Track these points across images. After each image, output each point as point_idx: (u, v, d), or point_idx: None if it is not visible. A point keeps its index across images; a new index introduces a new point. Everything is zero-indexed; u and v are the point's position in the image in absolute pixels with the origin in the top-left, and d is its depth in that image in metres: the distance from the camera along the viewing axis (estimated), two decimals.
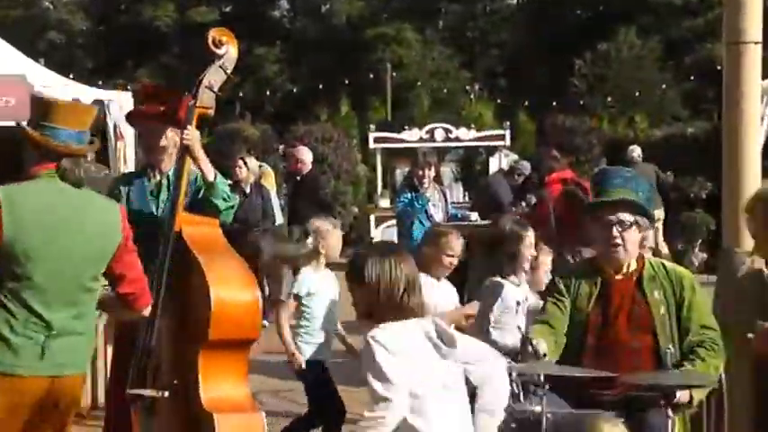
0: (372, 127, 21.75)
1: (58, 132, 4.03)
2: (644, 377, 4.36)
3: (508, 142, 20.69)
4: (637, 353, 4.54)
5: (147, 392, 4.72)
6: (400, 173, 19.66)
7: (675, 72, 32.53)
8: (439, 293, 5.99)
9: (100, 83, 19.01)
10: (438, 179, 12.15)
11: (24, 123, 4.13)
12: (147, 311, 4.35)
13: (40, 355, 3.93)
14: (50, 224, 3.96)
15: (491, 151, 20.90)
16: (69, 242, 3.99)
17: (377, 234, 18.41)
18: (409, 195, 9.78)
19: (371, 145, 21.11)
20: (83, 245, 4.03)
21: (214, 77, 4.91)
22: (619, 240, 4.60)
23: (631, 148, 15.12)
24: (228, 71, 4.91)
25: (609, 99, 28.60)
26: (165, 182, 5.30)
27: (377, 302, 3.80)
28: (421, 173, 9.84)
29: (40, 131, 4.03)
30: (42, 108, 4.10)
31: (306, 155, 11.46)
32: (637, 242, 4.67)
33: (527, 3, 42.28)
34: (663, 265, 4.75)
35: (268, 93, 33.70)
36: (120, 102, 12.61)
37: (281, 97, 36.08)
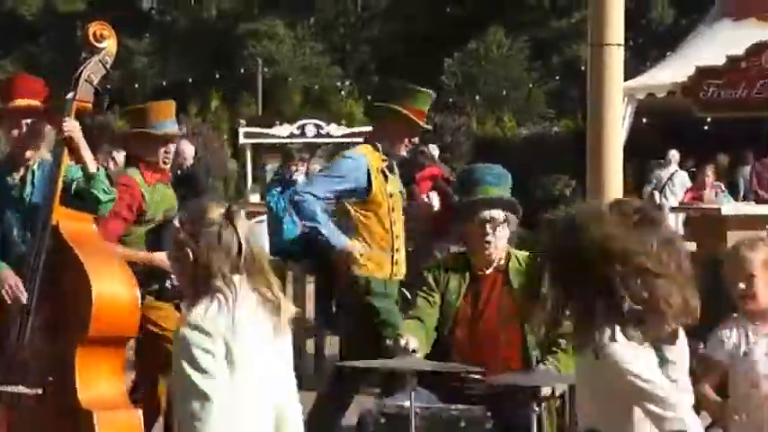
0: (243, 122, 21.65)
1: None
2: (510, 378, 4.43)
3: None
4: (506, 345, 4.62)
5: (19, 389, 4.64)
6: (270, 168, 19.62)
7: (542, 72, 33.20)
8: None
9: None
10: (309, 175, 12.19)
11: None
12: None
13: None
14: None
15: None
16: None
17: None
18: (279, 190, 9.79)
19: (241, 140, 21.02)
20: None
21: (93, 71, 4.87)
22: (490, 237, 4.68)
23: (431, 146, 14.84)
24: (108, 66, 4.87)
25: (477, 97, 29.02)
26: (29, 176, 5.20)
27: None
28: (293, 168, 9.87)
29: None
30: None
31: (188, 149, 11.33)
32: (506, 238, 4.76)
33: (398, 1, 42.59)
34: (529, 257, 4.83)
35: (137, 86, 33.20)
36: None
37: (151, 90, 35.56)
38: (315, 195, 5.83)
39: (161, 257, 5.27)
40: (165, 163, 5.95)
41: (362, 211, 5.86)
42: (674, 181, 15.76)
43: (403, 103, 5.94)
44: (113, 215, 5.35)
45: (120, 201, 5.34)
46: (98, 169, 5.01)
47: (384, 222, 5.87)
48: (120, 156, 11.06)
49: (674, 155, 15.84)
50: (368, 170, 5.83)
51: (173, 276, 4.90)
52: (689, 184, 16.24)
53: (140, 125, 5.85)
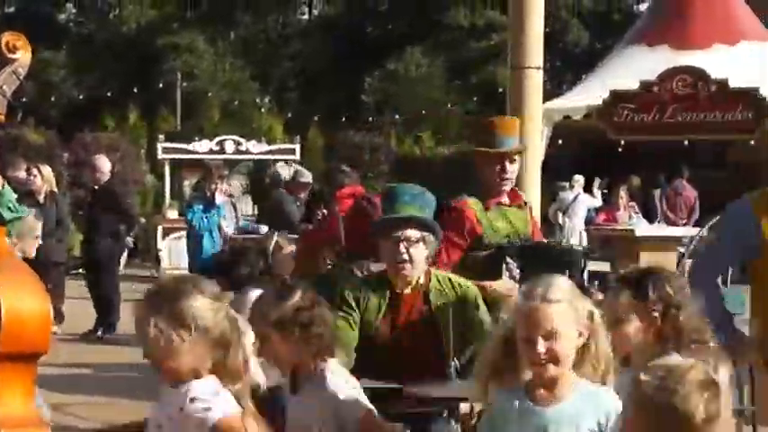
0: (161, 137, 21.46)
1: None
2: (428, 390, 4.48)
3: (298, 156, 20.83)
4: (425, 365, 4.62)
5: None
6: (189, 184, 19.49)
7: (460, 92, 33.50)
8: None
9: None
10: (228, 191, 12.17)
11: None
12: None
13: None
14: None
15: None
16: None
17: (164, 245, 18.18)
18: (201, 207, 9.76)
19: (160, 155, 20.83)
20: None
21: (6, 82, 4.80)
22: (405, 257, 4.70)
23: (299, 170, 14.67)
24: (21, 77, 4.81)
25: (397, 117, 29.19)
26: None
27: None
28: (213, 185, 9.85)
29: None
30: None
31: (104, 164, 11.24)
32: (423, 258, 4.76)
33: (318, 18, 42.66)
34: (449, 278, 4.87)
35: (53, 98, 32.75)
36: None
37: (67, 104, 35.11)
38: None
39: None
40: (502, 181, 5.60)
41: None
42: (577, 203, 16.07)
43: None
44: (446, 241, 5.26)
45: (450, 227, 5.31)
46: (3, 186, 4.95)
47: None
48: (46, 169, 10.91)
49: (578, 179, 16.17)
50: None
51: None
52: (593, 206, 16.60)
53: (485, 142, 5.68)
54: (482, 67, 34.17)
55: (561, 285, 3.34)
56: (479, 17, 35.76)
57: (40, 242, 7.21)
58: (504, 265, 5.32)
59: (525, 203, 5.79)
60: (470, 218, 5.43)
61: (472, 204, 5.50)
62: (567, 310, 3.27)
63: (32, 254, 6.57)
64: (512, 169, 5.59)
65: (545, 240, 5.61)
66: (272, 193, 13.67)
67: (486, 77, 33.09)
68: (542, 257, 5.34)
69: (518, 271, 5.29)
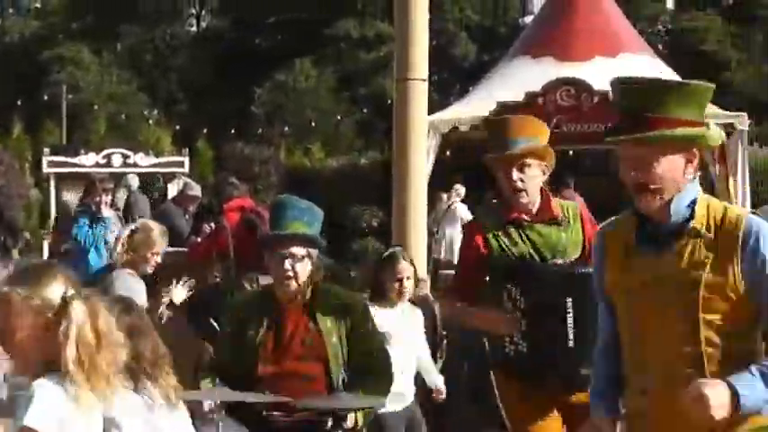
0: (47, 150, 21.08)
1: None
2: (315, 402, 4.50)
3: (187, 169, 20.66)
4: (310, 381, 4.64)
5: None
6: (75, 198, 19.18)
7: (350, 104, 33.61)
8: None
9: None
10: (114, 205, 12.00)
11: None
12: None
13: None
14: None
15: (169, 177, 20.79)
16: None
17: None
18: (87, 221, 9.62)
19: (45, 169, 20.46)
20: None
21: None
22: (290, 273, 4.69)
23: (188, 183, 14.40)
24: None
25: (286, 128, 29.14)
26: None
27: None
28: (98, 199, 9.71)
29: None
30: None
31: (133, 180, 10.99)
32: (308, 273, 4.76)
33: (206, 30, 42.36)
34: (334, 292, 4.88)
35: None
36: None
37: None
38: None
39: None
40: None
41: None
42: (451, 212, 16.18)
43: None
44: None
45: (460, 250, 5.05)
46: None
47: None
48: None
49: (457, 188, 16.28)
50: None
51: None
52: (466, 216, 16.78)
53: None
54: (371, 79, 34.35)
55: None
56: (369, 28, 35.94)
57: None
58: (504, 293, 4.77)
59: (566, 218, 4.94)
60: (476, 240, 4.91)
61: (484, 225, 4.95)
62: None
63: None
64: (521, 177, 4.87)
65: (546, 261, 4.77)
66: (159, 206, 13.55)
67: (375, 89, 33.26)
68: (539, 281, 4.69)
69: (521, 298, 4.73)
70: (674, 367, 3.29)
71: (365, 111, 31.74)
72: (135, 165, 20.54)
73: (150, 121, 32.25)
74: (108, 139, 27.66)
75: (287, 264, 4.69)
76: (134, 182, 15.75)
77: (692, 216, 3.36)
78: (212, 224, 9.86)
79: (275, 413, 4.57)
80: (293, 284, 4.71)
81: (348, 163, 21.46)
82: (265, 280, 6.57)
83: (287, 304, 4.77)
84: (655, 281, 3.36)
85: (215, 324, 6.94)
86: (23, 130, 28.05)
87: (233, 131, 26.09)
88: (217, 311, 6.96)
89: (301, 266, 4.71)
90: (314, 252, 4.78)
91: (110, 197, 10.38)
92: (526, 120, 5.18)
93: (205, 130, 28.17)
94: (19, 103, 28.92)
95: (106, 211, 9.92)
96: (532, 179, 4.88)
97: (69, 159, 20.38)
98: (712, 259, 3.29)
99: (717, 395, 3.11)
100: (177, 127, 30.17)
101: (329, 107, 32.21)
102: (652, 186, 3.32)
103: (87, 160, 20.13)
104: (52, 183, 20.48)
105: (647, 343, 3.37)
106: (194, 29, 44.00)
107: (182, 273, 7.96)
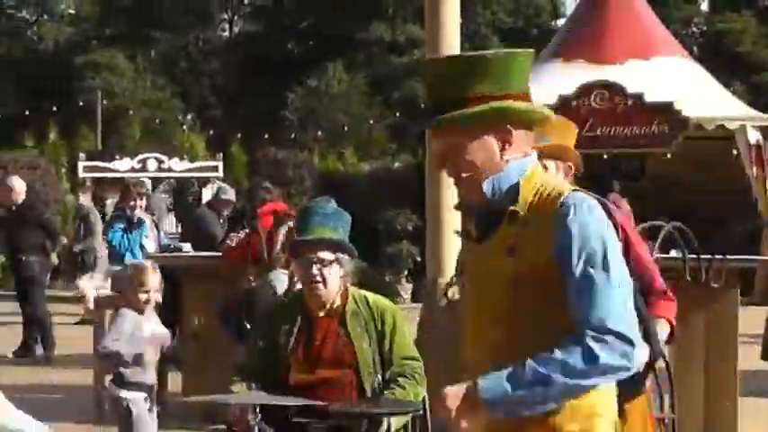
0: (82, 156, 21.23)
1: None
2: (352, 407, 4.50)
3: (221, 173, 20.74)
4: (341, 389, 4.62)
5: None
6: (111, 203, 19.31)
7: (382, 107, 33.65)
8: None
9: None
10: (150, 209, 12.10)
11: None
12: None
13: None
14: None
15: (203, 182, 20.89)
16: None
17: None
18: (122, 226, 9.71)
19: (81, 174, 20.61)
20: None
21: None
22: (318, 278, 4.65)
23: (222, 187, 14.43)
24: None
25: (319, 133, 29.21)
26: None
27: None
28: (133, 203, 9.80)
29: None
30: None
31: (19, 184, 11.11)
32: (338, 279, 4.72)
33: (239, 35, 42.55)
34: (366, 298, 4.83)
35: None
36: None
37: None
38: None
39: None
40: None
41: None
42: None
43: None
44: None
45: None
46: None
47: None
48: None
49: None
50: None
51: None
52: None
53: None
54: (403, 82, 34.38)
55: None
56: (400, 32, 35.99)
57: None
58: None
59: None
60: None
61: None
62: None
63: None
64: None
65: None
66: (194, 211, 13.63)
67: (407, 92, 33.30)
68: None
69: None
70: (482, 359, 2.95)
71: (398, 114, 31.75)
72: (170, 170, 20.65)
73: (184, 126, 32.46)
74: (143, 144, 27.83)
75: (314, 269, 4.66)
76: (146, 182, 15.87)
77: (515, 199, 2.93)
78: (246, 229, 9.90)
79: (307, 419, 4.57)
80: (321, 289, 4.68)
81: (381, 167, 21.47)
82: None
83: (317, 311, 4.75)
84: (474, 268, 3.08)
85: (248, 328, 6.98)
86: (59, 136, 28.26)
87: (266, 136, 26.19)
88: (250, 316, 7.01)
89: (329, 271, 4.68)
90: (343, 257, 4.74)
91: (144, 201, 10.47)
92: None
93: (239, 135, 28.29)
94: (54, 108, 29.15)
95: (141, 216, 10.01)
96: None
97: (105, 164, 20.51)
98: (529, 244, 2.88)
99: (454, 388, 2.83)
100: (211, 132, 30.30)
101: (361, 111, 32.28)
102: (464, 175, 2.95)
103: (122, 165, 20.25)
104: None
105: (466, 333, 3.09)
106: (227, 34, 44.22)
107: (215, 277, 8.03)
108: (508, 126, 2.92)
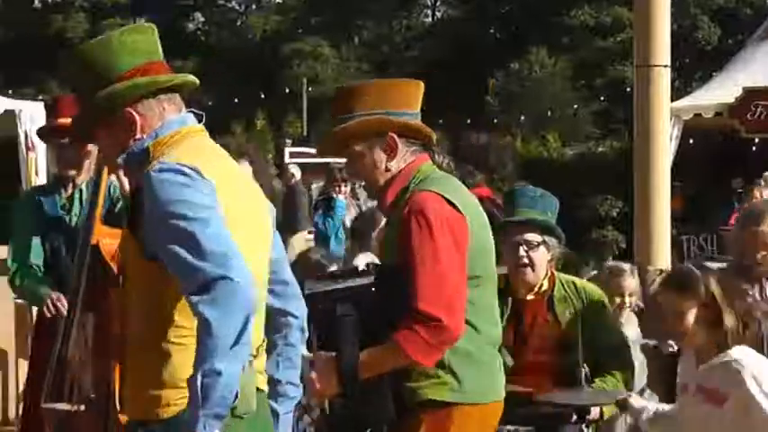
0: (289, 142, 21.73)
1: (418, 117, 3.63)
2: (559, 396, 4.40)
3: None
4: (549, 373, 4.52)
5: (62, 407, 4.66)
6: (316, 188, 19.67)
7: (587, 92, 33.10)
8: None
9: (10, 92, 18.72)
10: (354, 194, 12.22)
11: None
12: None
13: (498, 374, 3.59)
14: (484, 220, 3.57)
15: None
16: (490, 239, 3.63)
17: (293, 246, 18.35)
18: (323, 210, 9.85)
19: (287, 159, 21.08)
20: (491, 238, 3.68)
21: None
22: (526, 260, 4.57)
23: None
24: None
25: (522, 117, 28.97)
26: (77, 195, 5.25)
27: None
28: (337, 188, 9.91)
29: (406, 120, 3.52)
30: (391, 93, 3.60)
31: (245, 169, 11.41)
32: (545, 262, 4.63)
33: (441, 21, 42.68)
34: (573, 283, 4.74)
35: None
36: (32, 112, 12.43)
37: (196, 110, 35.88)
38: None
39: None
40: None
41: None
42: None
43: None
44: None
45: None
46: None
47: None
48: None
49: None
50: None
51: None
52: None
53: None
54: (609, 66, 33.72)
55: None
56: (606, 15, 35.30)
57: None
58: None
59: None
60: None
61: None
62: None
63: None
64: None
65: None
66: None
67: (613, 76, 32.64)
68: None
69: None
70: None
71: (602, 99, 31.17)
72: None
73: None
74: None
75: (521, 250, 4.58)
76: (296, 171, 16.00)
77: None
78: None
79: (517, 404, 4.49)
80: (528, 272, 4.59)
81: (585, 151, 21.15)
82: (501, 270, 6.48)
83: (524, 296, 4.65)
84: None
85: None
86: (266, 123, 29.04)
87: (468, 121, 26.13)
88: None
89: (536, 254, 4.59)
90: (550, 240, 4.64)
91: (348, 186, 10.57)
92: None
93: (441, 120, 28.34)
94: (262, 96, 29.94)
95: (343, 200, 10.13)
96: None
97: (310, 150, 20.92)
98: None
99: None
100: None
101: (565, 96, 31.82)
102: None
103: None
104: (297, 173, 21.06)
105: None
106: (429, 20, 44.42)
107: None
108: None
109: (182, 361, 2.67)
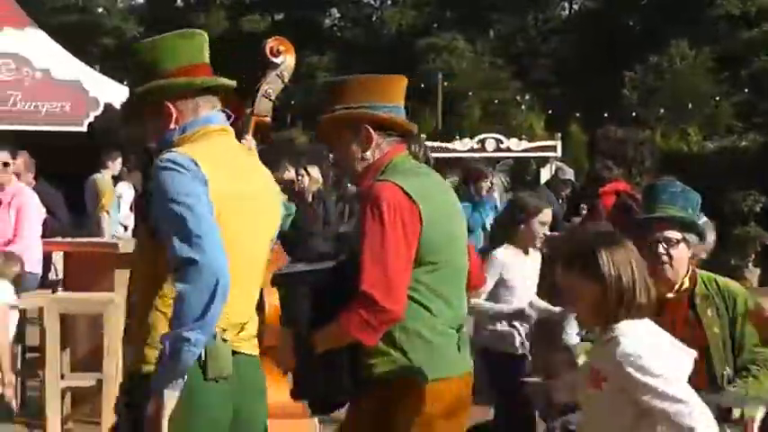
0: (423, 136, 21.75)
1: (399, 110, 3.92)
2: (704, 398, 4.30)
3: (559, 153, 20.60)
4: (693, 373, 4.46)
5: None
6: (450, 182, 19.64)
7: (729, 84, 32.23)
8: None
9: None
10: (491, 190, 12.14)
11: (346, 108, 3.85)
12: None
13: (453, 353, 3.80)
14: (450, 210, 3.86)
15: (542, 162, 20.82)
16: (459, 225, 3.93)
17: None
18: (469, 206, 9.77)
19: None
20: (462, 225, 3.96)
21: (271, 86, 4.91)
22: (665, 258, 4.49)
23: (561, 167, 13.95)
24: (286, 80, 4.92)
25: (662, 111, 28.38)
26: None
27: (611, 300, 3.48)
28: (482, 184, 9.86)
29: (383, 112, 3.84)
30: (371, 87, 3.93)
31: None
32: (685, 259, 4.54)
33: (578, 14, 42.15)
34: (715, 281, 4.62)
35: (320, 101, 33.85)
36: None
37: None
38: None
39: None
40: None
41: None
42: None
43: None
44: None
45: None
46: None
47: None
48: (314, 170, 11.20)
49: None
50: None
51: None
52: None
53: None
54: (753, 58, 32.77)
55: None
56: (751, 4, 34.31)
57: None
58: None
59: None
60: None
61: None
62: None
63: None
64: None
65: None
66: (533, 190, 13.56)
67: (758, 68, 31.73)
68: None
69: None
70: None
71: (746, 91, 30.31)
72: (508, 149, 20.76)
73: (523, 107, 32.51)
74: (481, 124, 28.15)
75: (660, 248, 4.48)
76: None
77: None
78: (586, 207, 9.73)
79: None
80: (668, 270, 4.50)
81: (728, 145, 20.61)
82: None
83: (665, 293, 4.51)
84: None
85: None
86: None
87: (606, 115, 25.73)
88: None
89: (676, 252, 4.49)
90: (691, 237, 4.55)
91: (489, 182, 10.48)
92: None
93: (578, 114, 27.99)
94: None
95: (490, 198, 10.07)
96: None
97: (444, 144, 20.90)
98: None
99: None
100: (550, 111, 30.18)
101: (707, 88, 31.04)
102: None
103: (462, 146, 20.55)
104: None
105: None
106: (566, 12, 43.92)
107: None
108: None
109: (165, 327, 3.10)
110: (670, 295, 4.54)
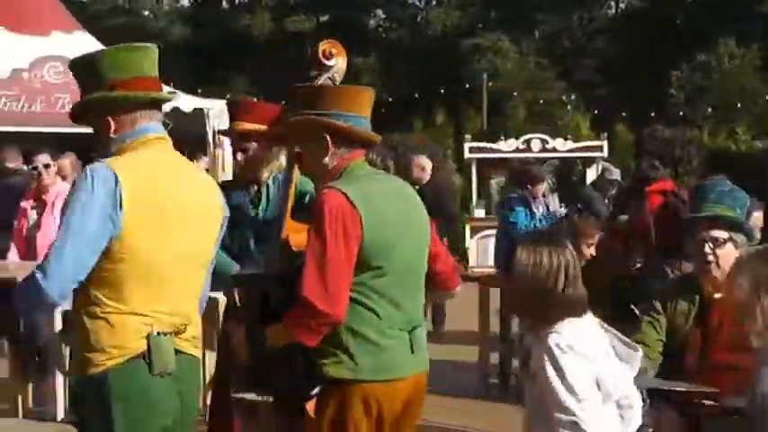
0: (468, 137, 21.70)
1: (359, 120, 4.01)
2: (741, 401, 4.25)
3: (606, 153, 20.47)
4: (738, 373, 4.34)
5: (251, 396, 4.73)
6: (495, 183, 19.57)
7: None
8: None
9: (200, 91, 19.30)
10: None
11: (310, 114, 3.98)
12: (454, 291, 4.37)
13: (404, 354, 3.87)
14: (402, 215, 3.90)
15: (588, 162, 20.70)
16: (414, 230, 3.96)
17: (472, 244, 18.29)
18: (522, 209, 9.71)
19: (466, 155, 21.05)
20: (419, 230, 3.99)
21: None
22: (711, 258, 4.49)
23: (607, 167, 13.88)
24: (337, 83, 4.92)
25: (709, 110, 28.14)
26: (264, 190, 5.36)
27: (528, 296, 3.72)
28: (538, 187, 9.80)
29: (343, 121, 3.93)
30: (331, 97, 4.04)
31: (427, 163, 11.32)
32: (732, 259, 4.40)
33: (624, 13, 41.89)
34: None
35: None
36: (219, 110, 12.80)
37: (376, 106, 36.12)
38: None
39: None
40: None
41: None
42: None
43: None
44: None
45: None
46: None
47: None
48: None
49: None
50: None
51: None
52: None
53: None
54: None
55: None
56: None
57: None
58: None
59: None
60: None
61: None
62: None
63: None
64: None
65: None
66: (579, 191, 13.50)
67: None
68: None
69: None
70: None
71: None
72: (554, 150, 20.63)
73: (569, 107, 32.36)
74: (527, 124, 28.05)
75: (707, 248, 4.49)
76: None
77: None
78: (632, 206, 9.65)
79: (702, 401, 4.37)
80: (714, 269, 4.49)
81: None
82: (688, 267, 6.31)
83: (712, 292, 4.54)
84: None
85: (634, 310, 6.79)
86: (446, 119, 29.09)
87: (652, 114, 25.55)
88: (636, 297, 6.81)
89: (723, 252, 4.48)
90: (739, 238, 4.52)
91: (545, 185, 10.38)
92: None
93: (624, 114, 27.82)
94: (441, 91, 30.00)
95: (541, 201, 9.99)
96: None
97: (489, 145, 20.83)
98: None
99: None
100: (596, 111, 30.03)
101: (755, 87, 30.73)
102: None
103: (507, 146, 20.47)
104: (473, 168, 21.05)
105: None
106: (612, 11, 43.66)
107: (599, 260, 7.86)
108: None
109: (107, 331, 3.39)
110: (717, 295, 4.53)
